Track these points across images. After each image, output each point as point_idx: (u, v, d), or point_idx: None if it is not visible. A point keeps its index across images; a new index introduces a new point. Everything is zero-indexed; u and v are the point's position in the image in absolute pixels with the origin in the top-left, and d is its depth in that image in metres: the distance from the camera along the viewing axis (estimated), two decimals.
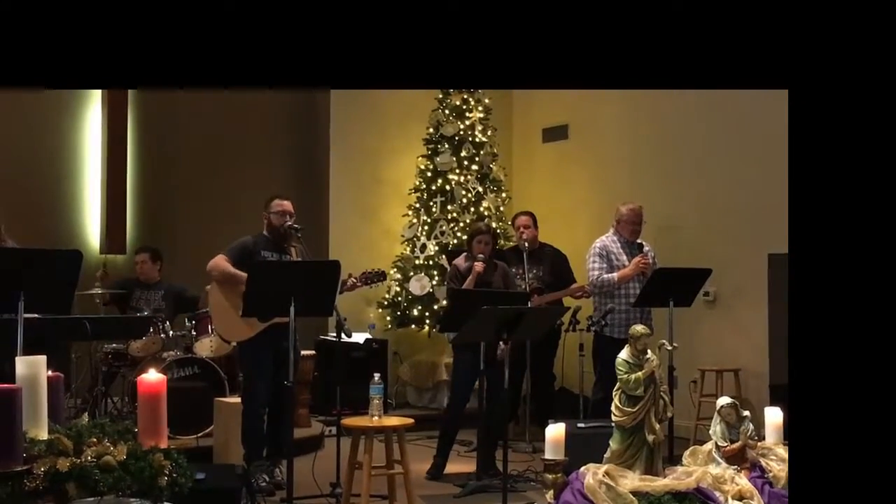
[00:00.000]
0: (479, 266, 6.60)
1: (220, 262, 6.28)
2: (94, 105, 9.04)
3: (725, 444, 3.84)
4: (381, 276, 6.60)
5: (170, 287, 7.96)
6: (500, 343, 6.31)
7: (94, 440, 2.97)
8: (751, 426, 3.86)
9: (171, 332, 7.38)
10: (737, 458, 3.81)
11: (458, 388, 6.90)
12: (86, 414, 3.56)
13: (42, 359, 3.07)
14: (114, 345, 7.39)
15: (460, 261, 6.90)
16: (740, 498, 3.61)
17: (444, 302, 8.85)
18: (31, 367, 3.02)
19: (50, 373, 3.12)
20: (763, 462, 3.78)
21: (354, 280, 6.38)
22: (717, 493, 3.58)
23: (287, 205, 6.41)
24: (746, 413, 3.91)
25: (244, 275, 5.83)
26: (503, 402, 6.21)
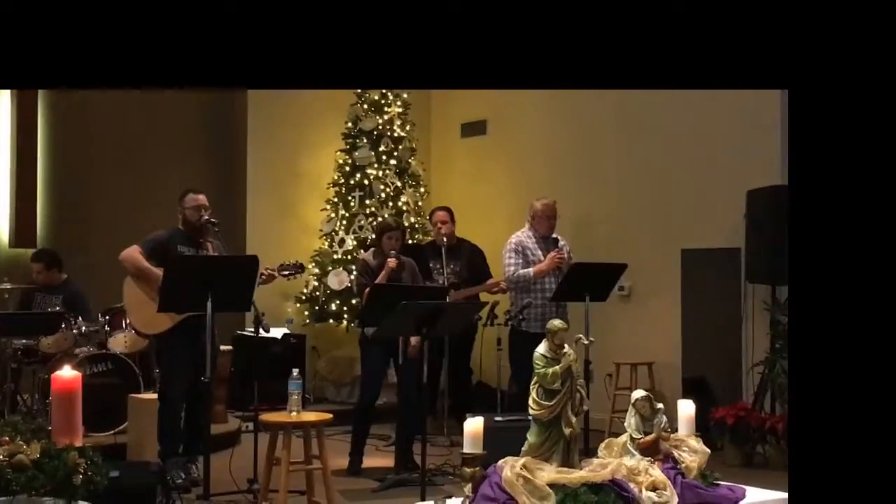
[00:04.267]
0: (392, 262, 6.60)
1: (134, 253, 6.19)
2: (2, 97, 8.82)
3: (640, 437, 3.90)
4: (299, 267, 6.56)
5: (67, 291, 7.75)
6: (411, 339, 6.36)
7: (7, 439, 2.92)
8: (664, 419, 3.93)
9: (83, 328, 7.24)
10: (651, 450, 3.86)
11: (367, 382, 6.90)
12: None
13: None
14: (24, 341, 7.22)
15: (368, 256, 6.90)
16: (654, 488, 3.66)
17: (357, 297, 8.85)
18: None
19: None
20: (676, 453, 3.84)
21: (272, 271, 6.33)
22: (632, 485, 3.64)
23: (202, 199, 6.34)
24: (660, 406, 3.97)
25: (157, 271, 5.79)
26: (419, 398, 6.24)
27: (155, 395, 6.55)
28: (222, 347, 7.70)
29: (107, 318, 7.32)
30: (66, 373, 3.13)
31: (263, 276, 6.18)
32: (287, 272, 6.46)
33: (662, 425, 3.93)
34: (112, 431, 6.85)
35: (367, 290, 6.40)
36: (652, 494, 3.65)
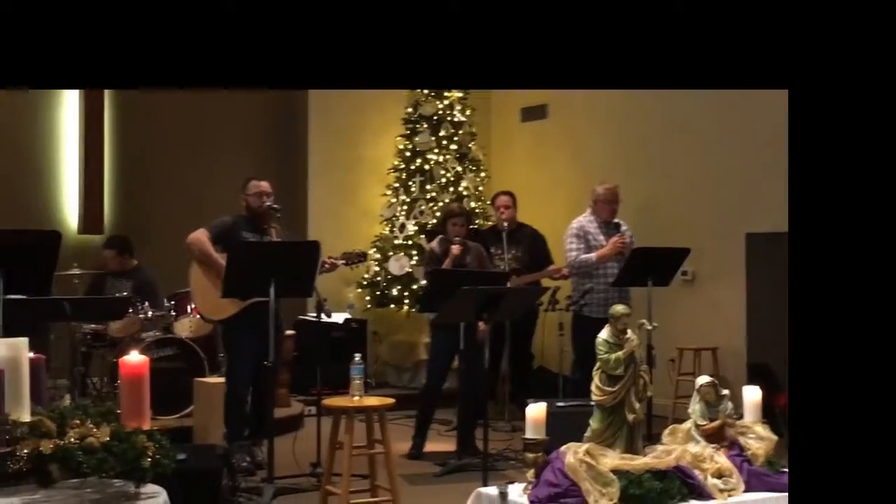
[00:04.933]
0: (455, 249, 6.61)
1: (202, 237, 6.26)
2: (70, 92, 8.98)
3: (704, 423, 3.87)
4: (362, 256, 6.60)
5: (140, 278, 7.85)
6: (480, 323, 6.35)
7: (77, 422, 2.97)
8: (730, 405, 3.89)
9: (150, 313, 7.35)
10: (716, 437, 3.83)
11: (434, 367, 6.93)
12: (68, 395, 3.55)
13: (24, 341, 3.05)
14: (92, 325, 7.35)
15: (434, 244, 6.91)
16: (719, 476, 3.63)
17: (424, 283, 8.88)
18: (13, 350, 3.01)
19: (31, 355, 3.11)
20: (742, 440, 3.81)
21: (334, 260, 6.37)
22: (697, 472, 3.61)
23: (264, 185, 6.39)
24: (725, 392, 3.93)
25: (221, 260, 5.92)
26: (482, 382, 6.25)
27: (219, 379, 6.63)
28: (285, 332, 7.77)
29: (172, 303, 7.43)
30: (134, 357, 3.17)
31: (326, 266, 6.21)
32: (350, 261, 6.49)
33: (728, 412, 3.89)
34: (178, 415, 6.96)
35: (429, 274, 6.42)
36: (718, 482, 3.63)
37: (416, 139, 9.60)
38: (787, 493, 3.65)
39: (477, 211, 9.53)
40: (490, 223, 8.87)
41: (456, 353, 6.62)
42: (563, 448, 3.55)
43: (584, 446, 3.55)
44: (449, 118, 9.64)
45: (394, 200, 9.65)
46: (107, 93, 9.07)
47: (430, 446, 6.90)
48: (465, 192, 9.55)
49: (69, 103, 8.98)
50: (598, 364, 3.72)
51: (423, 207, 9.47)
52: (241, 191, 6.47)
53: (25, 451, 2.80)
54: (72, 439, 2.89)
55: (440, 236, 6.95)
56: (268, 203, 6.30)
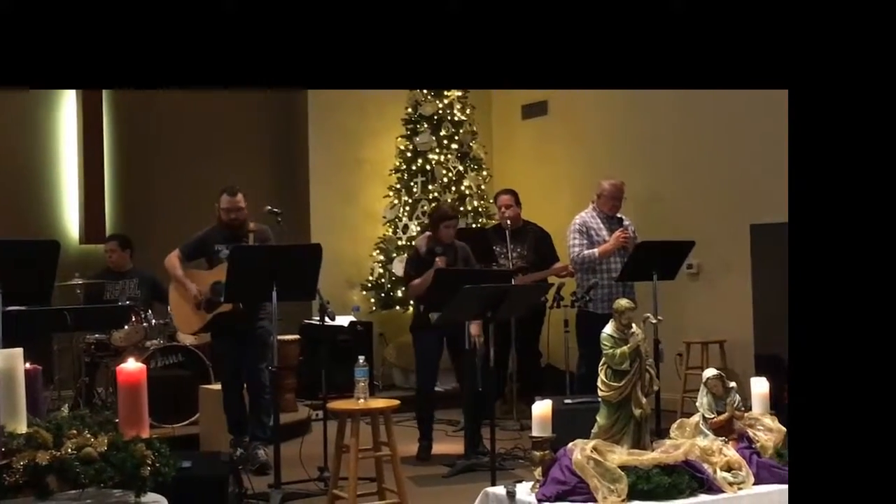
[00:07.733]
0: (440, 262, 6.53)
1: (173, 260, 6.49)
2: (69, 95, 8.96)
3: (712, 416, 3.83)
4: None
5: (143, 275, 7.87)
6: (473, 326, 6.31)
7: (74, 432, 2.92)
8: (737, 397, 3.85)
9: (153, 321, 7.32)
10: (724, 430, 3.79)
11: (422, 369, 6.87)
12: (66, 406, 3.51)
13: (18, 351, 3.01)
14: (96, 335, 7.32)
15: (421, 243, 6.83)
16: (728, 469, 3.60)
17: (401, 276, 8.80)
18: (7, 361, 2.97)
19: (28, 365, 3.07)
20: (750, 432, 3.77)
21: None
22: (706, 465, 3.57)
23: (236, 200, 6.41)
24: (733, 384, 3.89)
25: (185, 280, 6.36)
26: (482, 381, 6.24)
27: None
28: (288, 337, 7.78)
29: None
30: (131, 365, 3.13)
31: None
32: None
33: (736, 404, 3.85)
34: (185, 422, 6.93)
35: (433, 274, 6.35)
36: (727, 475, 3.59)
37: (417, 139, 9.56)
38: None
39: (479, 210, 9.49)
40: (494, 222, 8.82)
41: (441, 354, 6.72)
42: (570, 445, 3.51)
43: (592, 443, 3.51)
44: (449, 117, 9.60)
45: (396, 202, 9.61)
46: (105, 101, 9.03)
47: (439, 448, 6.85)
48: (467, 192, 9.51)
49: (68, 112, 8.95)
50: (603, 360, 3.67)
51: (425, 208, 9.42)
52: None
53: (22, 463, 2.76)
54: (69, 450, 2.84)
55: (427, 234, 6.88)
56: (233, 216, 6.36)
